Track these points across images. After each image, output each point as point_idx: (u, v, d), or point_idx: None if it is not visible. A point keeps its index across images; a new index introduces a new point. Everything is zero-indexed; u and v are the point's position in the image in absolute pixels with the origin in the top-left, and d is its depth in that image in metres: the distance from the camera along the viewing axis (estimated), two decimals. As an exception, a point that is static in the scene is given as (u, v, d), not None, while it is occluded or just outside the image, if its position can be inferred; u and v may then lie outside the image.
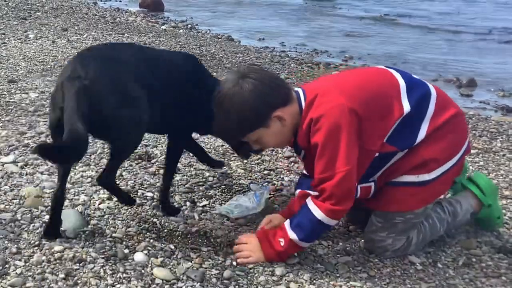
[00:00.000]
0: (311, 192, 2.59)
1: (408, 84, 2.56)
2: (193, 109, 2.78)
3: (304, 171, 2.86)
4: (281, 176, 3.46)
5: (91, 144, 3.59)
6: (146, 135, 3.89)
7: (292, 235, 2.48)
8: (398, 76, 2.59)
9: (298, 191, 2.82)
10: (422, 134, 2.52)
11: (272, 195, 3.20)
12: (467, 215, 2.84)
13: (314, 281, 2.42)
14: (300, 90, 2.58)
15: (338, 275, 2.47)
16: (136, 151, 3.51)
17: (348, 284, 2.43)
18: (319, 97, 2.47)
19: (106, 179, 2.57)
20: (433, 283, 2.50)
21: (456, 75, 7.69)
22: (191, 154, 3.60)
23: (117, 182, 3.08)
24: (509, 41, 11.15)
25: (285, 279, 2.42)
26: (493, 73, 8.19)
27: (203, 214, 2.92)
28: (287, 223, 2.52)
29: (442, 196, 2.86)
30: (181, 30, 9.54)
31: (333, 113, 2.39)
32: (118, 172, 3.19)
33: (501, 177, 3.74)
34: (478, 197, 2.83)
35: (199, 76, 2.88)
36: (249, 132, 2.54)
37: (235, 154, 3.46)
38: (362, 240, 2.76)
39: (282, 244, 2.49)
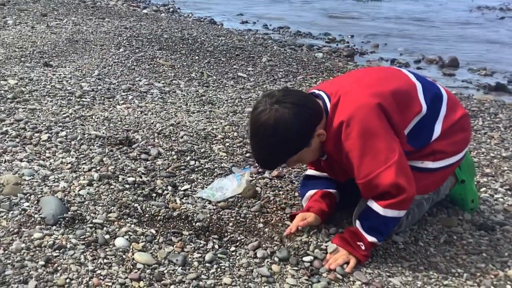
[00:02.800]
0: (331, 191, 2.69)
1: (422, 83, 2.58)
2: None
3: (309, 172, 2.85)
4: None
5: (71, 130, 3.56)
6: (127, 120, 3.87)
7: (371, 238, 2.45)
8: (412, 76, 2.62)
9: (313, 191, 2.77)
10: (436, 134, 2.55)
11: (254, 178, 3.19)
12: (446, 190, 2.86)
13: (297, 263, 2.42)
14: (323, 94, 2.52)
15: (320, 257, 2.47)
16: (117, 136, 3.50)
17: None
18: (343, 98, 2.44)
19: None
20: (415, 261, 2.52)
21: (439, 55, 7.70)
22: (173, 139, 3.59)
23: (98, 168, 3.06)
24: (492, 20, 11.18)
25: (267, 261, 2.42)
26: (475, 52, 8.21)
27: (184, 198, 2.90)
28: (359, 227, 2.48)
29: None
30: (163, 14, 9.44)
31: (361, 113, 2.37)
32: (98, 158, 3.16)
33: (482, 155, 3.76)
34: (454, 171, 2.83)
35: None
36: (293, 156, 2.49)
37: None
38: (345, 221, 2.76)
39: (363, 248, 2.45)
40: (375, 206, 2.43)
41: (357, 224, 2.50)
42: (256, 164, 2.92)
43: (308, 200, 2.77)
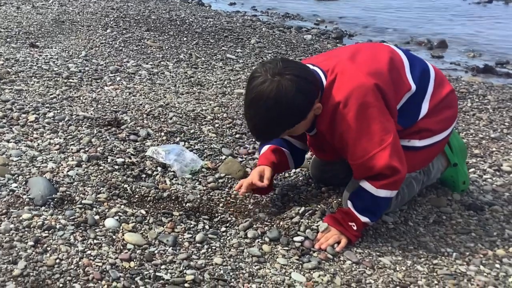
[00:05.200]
0: (283, 148, 2.71)
1: (410, 60, 2.57)
2: None
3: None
4: (253, 140, 3.43)
5: (58, 111, 3.52)
6: (115, 101, 3.83)
7: (364, 218, 2.45)
8: (400, 52, 2.59)
9: (266, 147, 2.77)
10: (423, 112, 2.54)
11: (244, 159, 3.18)
12: (438, 174, 2.86)
13: (288, 243, 2.43)
14: (318, 70, 2.46)
15: (311, 237, 2.48)
16: (105, 117, 3.47)
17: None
18: (340, 76, 2.40)
19: None
20: (404, 240, 2.53)
21: (427, 37, 7.70)
22: (162, 120, 3.56)
23: (86, 149, 3.03)
24: (479, 2, 11.19)
25: (258, 241, 2.42)
26: (464, 34, 8.22)
27: (174, 179, 2.89)
28: (351, 207, 2.48)
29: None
30: (150, -5, 9.34)
31: (359, 94, 2.34)
32: (87, 139, 3.13)
33: (470, 136, 3.78)
34: (447, 154, 2.84)
35: None
36: (290, 128, 2.44)
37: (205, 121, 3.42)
38: (335, 201, 2.77)
39: (355, 228, 2.45)
40: (368, 186, 2.43)
41: (349, 204, 2.50)
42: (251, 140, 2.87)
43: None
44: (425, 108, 2.55)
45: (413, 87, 2.50)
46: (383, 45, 2.74)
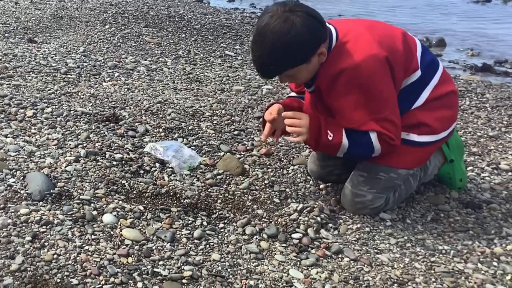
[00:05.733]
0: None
1: (423, 47, 2.60)
2: None
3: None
4: (251, 137, 3.43)
5: (56, 107, 3.52)
6: (113, 97, 3.82)
7: (345, 141, 2.48)
8: (414, 37, 2.64)
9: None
10: (422, 99, 2.55)
11: (242, 155, 3.18)
12: (435, 170, 2.86)
13: (286, 239, 2.43)
14: (332, 28, 2.48)
15: (308, 232, 2.48)
16: (103, 113, 3.46)
17: (318, 240, 2.45)
18: (352, 43, 2.42)
19: None
20: (402, 238, 2.53)
21: (426, 35, 7.70)
22: (160, 116, 3.56)
23: (84, 145, 3.02)
24: (478, 1, 11.19)
25: (256, 238, 2.42)
26: (463, 33, 8.22)
27: (173, 175, 2.88)
28: (343, 130, 2.49)
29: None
30: (148, -9, 9.32)
31: (369, 64, 2.37)
32: (85, 134, 3.13)
33: (469, 134, 3.78)
34: (443, 150, 2.83)
35: None
36: (292, 67, 2.42)
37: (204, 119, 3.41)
38: (333, 198, 2.77)
39: (330, 138, 2.48)
40: (373, 136, 2.46)
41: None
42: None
43: None
44: (424, 96, 2.56)
45: (419, 68, 2.52)
46: (398, 28, 2.73)
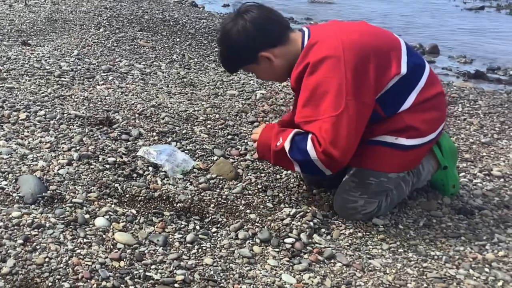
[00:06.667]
0: None
1: (408, 48, 2.61)
2: None
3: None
4: (245, 141, 3.43)
5: (50, 110, 3.51)
6: (107, 100, 3.82)
7: (287, 144, 2.51)
8: (400, 39, 2.65)
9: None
10: (408, 103, 2.55)
11: (235, 160, 3.18)
12: (428, 176, 2.87)
13: (278, 244, 2.43)
14: (306, 31, 2.63)
15: (301, 237, 2.48)
16: (97, 116, 3.46)
17: (310, 245, 2.45)
18: (318, 45, 2.51)
19: None
20: (394, 243, 2.54)
21: (419, 42, 7.73)
22: (154, 120, 3.56)
23: (77, 148, 3.02)
24: (471, 8, 11.26)
25: (249, 242, 2.42)
26: (456, 40, 8.27)
27: (166, 179, 2.88)
28: (292, 133, 2.53)
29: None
30: (143, -5, 9.33)
31: (326, 63, 2.43)
32: (78, 138, 3.12)
33: (461, 140, 3.80)
34: (437, 156, 2.84)
35: None
36: (242, 66, 2.74)
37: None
38: (326, 203, 2.78)
39: (278, 144, 2.56)
40: (309, 137, 2.45)
41: (295, 131, 2.54)
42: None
43: None
44: (411, 99, 2.56)
45: (403, 70, 2.51)
46: (382, 29, 2.76)
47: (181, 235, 2.41)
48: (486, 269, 2.40)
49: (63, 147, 3.01)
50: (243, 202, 2.75)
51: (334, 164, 2.43)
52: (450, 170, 2.89)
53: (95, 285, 2.02)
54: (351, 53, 2.43)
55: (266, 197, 2.81)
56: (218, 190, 2.83)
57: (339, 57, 2.42)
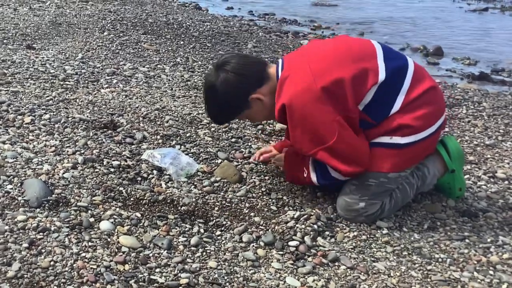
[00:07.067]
0: None
1: (385, 54, 2.62)
2: None
3: None
4: (249, 144, 3.44)
5: (54, 113, 3.52)
6: (111, 103, 3.83)
7: (313, 177, 2.74)
8: (376, 45, 2.66)
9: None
10: (396, 107, 2.57)
11: (239, 163, 3.18)
12: (434, 180, 2.86)
13: (283, 247, 2.43)
14: (280, 63, 2.70)
15: (305, 240, 2.48)
16: (101, 119, 3.47)
17: (314, 248, 2.45)
18: (289, 79, 2.59)
19: None
20: (398, 246, 2.54)
21: (423, 44, 7.73)
22: (158, 123, 3.57)
23: (82, 151, 3.03)
24: (475, 10, 11.24)
25: (253, 246, 2.43)
26: (460, 41, 8.25)
27: (170, 182, 2.89)
28: (310, 162, 2.74)
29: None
30: (147, -2, 9.35)
31: (301, 98, 2.52)
32: (83, 141, 3.13)
33: (465, 143, 3.79)
34: (445, 160, 2.83)
35: None
36: (235, 116, 2.86)
37: (202, 123, 3.42)
38: (330, 206, 2.78)
39: (305, 175, 2.77)
40: (328, 167, 2.66)
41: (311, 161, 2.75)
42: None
43: None
44: (398, 102, 2.57)
45: (381, 77, 2.54)
46: (359, 39, 2.84)
47: (185, 238, 2.42)
48: (491, 272, 2.40)
49: (67, 151, 3.02)
50: (247, 205, 2.76)
51: (361, 172, 2.63)
52: (457, 173, 2.88)
53: (100, 289, 2.03)
54: (322, 80, 2.51)
55: (270, 200, 2.82)
56: (222, 193, 2.84)
57: (310, 88, 2.51)
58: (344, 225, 2.66)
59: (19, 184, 2.64)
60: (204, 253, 2.34)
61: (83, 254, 2.21)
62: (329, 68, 2.55)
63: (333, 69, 2.54)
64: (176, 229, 2.48)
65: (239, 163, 3.18)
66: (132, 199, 2.68)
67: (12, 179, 2.67)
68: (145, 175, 2.91)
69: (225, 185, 2.92)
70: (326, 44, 2.81)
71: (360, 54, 2.61)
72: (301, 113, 2.53)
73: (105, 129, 3.38)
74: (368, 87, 2.52)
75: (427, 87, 2.63)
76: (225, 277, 2.21)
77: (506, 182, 3.23)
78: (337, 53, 2.64)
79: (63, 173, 2.78)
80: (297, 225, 2.56)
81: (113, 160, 2.98)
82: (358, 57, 2.59)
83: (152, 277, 2.13)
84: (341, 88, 2.50)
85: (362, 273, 2.33)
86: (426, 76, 2.72)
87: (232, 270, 2.26)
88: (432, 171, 2.81)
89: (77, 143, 3.13)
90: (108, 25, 6.24)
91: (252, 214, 2.68)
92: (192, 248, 2.36)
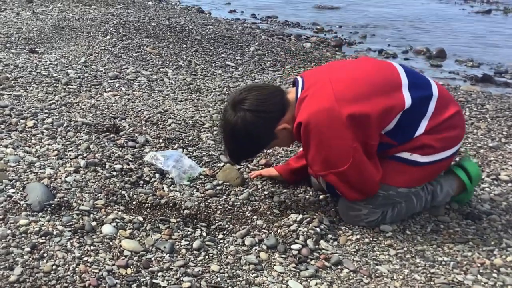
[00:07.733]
0: None
1: (410, 80, 2.58)
2: None
3: None
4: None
5: (57, 117, 3.52)
6: (114, 107, 3.84)
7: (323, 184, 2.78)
8: (400, 71, 2.61)
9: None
10: (420, 130, 2.55)
11: (242, 166, 3.18)
12: (446, 198, 2.85)
13: (285, 250, 2.43)
14: (300, 81, 2.63)
15: (308, 243, 2.47)
16: (104, 123, 3.47)
17: (317, 251, 2.45)
18: (309, 97, 2.52)
19: None
20: (402, 249, 2.53)
21: (426, 46, 7.72)
22: (160, 126, 3.57)
23: (85, 155, 3.03)
24: (479, 11, 11.23)
25: (255, 249, 2.42)
26: (463, 44, 8.24)
27: (172, 186, 2.89)
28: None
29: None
30: (150, 2, 9.35)
31: (319, 118, 2.46)
32: (85, 145, 3.13)
33: (468, 145, 3.78)
34: (465, 183, 2.82)
35: None
36: (264, 149, 2.91)
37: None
38: (333, 209, 2.77)
39: None
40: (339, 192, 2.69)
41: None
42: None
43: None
44: (423, 126, 2.55)
45: (408, 103, 2.50)
46: (382, 63, 2.74)
47: (187, 242, 2.41)
48: (494, 275, 2.39)
49: (70, 155, 3.03)
50: (249, 208, 2.75)
51: (369, 195, 2.63)
52: (471, 192, 2.91)
53: (102, 293, 2.03)
54: (347, 107, 2.44)
55: (273, 203, 2.81)
56: (224, 197, 2.83)
57: (332, 110, 2.44)
58: (346, 228, 2.65)
59: (22, 188, 2.64)
60: (207, 257, 2.34)
61: (85, 258, 2.20)
62: (355, 98, 2.47)
63: (359, 99, 2.47)
64: (178, 232, 2.48)
65: (242, 166, 3.18)
66: (134, 202, 2.68)
67: (15, 183, 2.67)
68: (147, 178, 2.91)
69: (227, 188, 2.91)
70: (350, 69, 2.72)
71: (386, 85, 2.55)
72: (317, 133, 2.47)
73: (107, 133, 3.38)
74: (393, 117, 2.50)
75: (452, 113, 2.62)
76: (228, 281, 2.20)
77: (510, 184, 3.22)
78: (363, 82, 2.55)
79: (66, 177, 2.78)
80: (299, 228, 2.55)
81: (116, 164, 2.98)
82: (384, 90, 2.52)
83: (154, 281, 2.13)
84: (366, 122, 2.45)
85: (365, 277, 2.32)
86: (451, 101, 2.71)
87: (234, 273, 2.25)
88: (445, 189, 2.80)
89: (79, 147, 3.13)
90: (111, 28, 6.25)
91: (254, 217, 2.68)
92: (195, 252, 2.36)
